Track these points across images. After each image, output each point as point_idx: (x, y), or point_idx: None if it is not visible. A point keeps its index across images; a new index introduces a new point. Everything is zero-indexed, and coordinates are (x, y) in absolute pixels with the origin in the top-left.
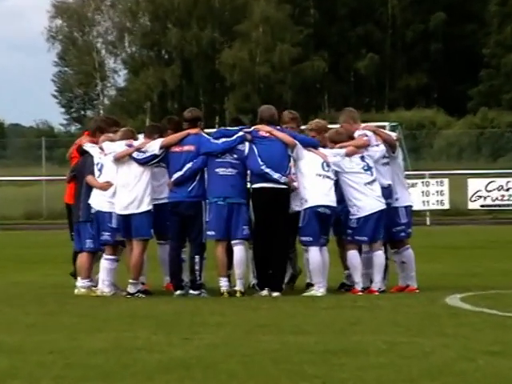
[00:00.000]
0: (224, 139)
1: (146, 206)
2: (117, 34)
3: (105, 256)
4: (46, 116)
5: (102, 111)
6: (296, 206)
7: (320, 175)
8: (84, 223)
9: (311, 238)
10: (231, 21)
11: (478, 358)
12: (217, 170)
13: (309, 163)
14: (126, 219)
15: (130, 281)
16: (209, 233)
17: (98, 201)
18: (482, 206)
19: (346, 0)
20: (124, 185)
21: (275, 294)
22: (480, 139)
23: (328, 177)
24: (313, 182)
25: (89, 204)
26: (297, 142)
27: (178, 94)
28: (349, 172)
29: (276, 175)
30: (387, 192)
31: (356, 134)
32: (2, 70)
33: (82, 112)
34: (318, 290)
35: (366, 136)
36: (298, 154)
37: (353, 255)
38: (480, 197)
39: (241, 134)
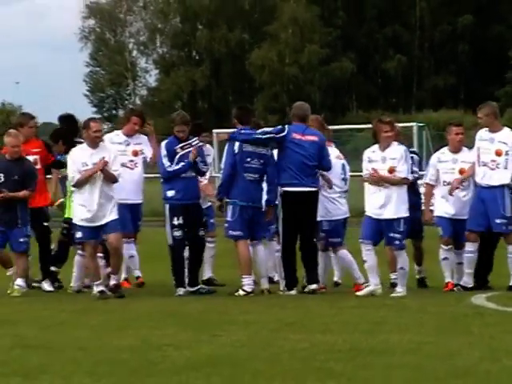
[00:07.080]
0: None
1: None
2: (148, 34)
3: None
4: (77, 115)
5: None
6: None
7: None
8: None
9: (340, 239)
10: (260, 22)
11: (504, 358)
12: (245, 174)
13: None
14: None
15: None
16: (234, 233)
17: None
18: None
19: (374, 1)
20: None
21: (313, 286)
22: None
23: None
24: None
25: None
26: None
27: (207, 94)
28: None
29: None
30: None
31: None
32: (35, 69)
33: (114, 111)
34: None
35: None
36: None
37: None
38: None
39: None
